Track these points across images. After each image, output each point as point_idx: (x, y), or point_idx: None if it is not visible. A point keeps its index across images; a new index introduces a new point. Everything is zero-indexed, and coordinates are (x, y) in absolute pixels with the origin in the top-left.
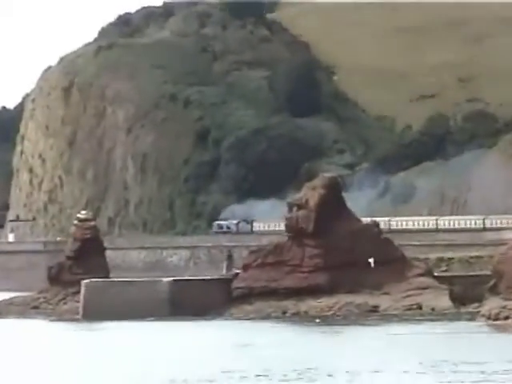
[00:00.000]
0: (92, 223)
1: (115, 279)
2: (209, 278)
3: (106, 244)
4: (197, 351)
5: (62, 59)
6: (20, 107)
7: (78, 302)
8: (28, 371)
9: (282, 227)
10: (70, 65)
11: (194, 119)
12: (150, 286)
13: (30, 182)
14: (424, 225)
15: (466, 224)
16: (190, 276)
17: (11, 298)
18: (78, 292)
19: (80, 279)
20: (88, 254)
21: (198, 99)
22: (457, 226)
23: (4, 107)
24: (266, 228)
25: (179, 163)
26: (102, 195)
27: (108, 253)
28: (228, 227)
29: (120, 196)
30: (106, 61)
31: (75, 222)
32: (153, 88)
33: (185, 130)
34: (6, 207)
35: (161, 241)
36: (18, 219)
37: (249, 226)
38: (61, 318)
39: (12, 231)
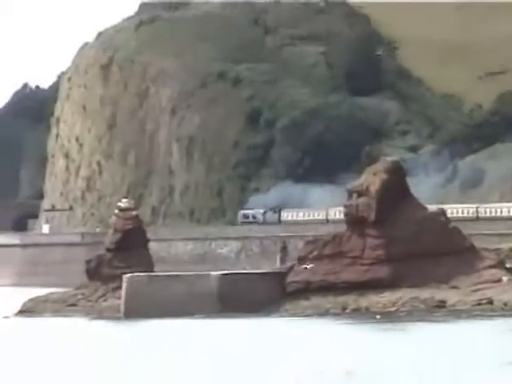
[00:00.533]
0: (134, 213)
1: (160, 273)
2: (261, 271)
3: (149, 235)
4: (248, 350)
5: (100, 35)
6: (55, 87)
7: (119, 298)
8: (67, 375)
9: (312, 216)
10: (108, 40)
11: (244, 99)
12: (198, 280)
13: (67, 168)
14: (463, 213)
15: (509, 212)
16: (241, 269)
17: (46, 295)
18: (119, 287)
19: (121, 273)
20: (130, 246)
21: (249, 77)
22: (498, 215)
23: (38, 87)
24: (295, 218)
25: (228, 147)
26: (144, 182)
27: (152, 245)
28: (254, 217)
29: (164, 183)
30: (148, 36)
31: (116, 211)
32: (199, 65)
33: (234, 111)
34: (41, 196)
35: (209, 231)
36: (53, 209)
37: (276, 216)
38: (100, 315)
39: (47, 222)
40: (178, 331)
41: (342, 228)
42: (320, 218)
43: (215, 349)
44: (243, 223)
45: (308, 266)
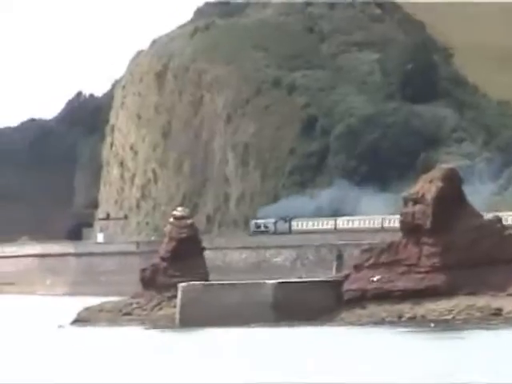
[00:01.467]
0: (189, 221)
1: (214, 282)
2: (317, 279)
3: (204, 244)
4: (302, 359)
5: (154, 42)
6: (109, 95)
7: (174, 307)
8: None
9: (322, 226)
10: (163, 48)
11: (299, 106)
12: (253, 289)
13: (121, 176)
14: None
15: None
16: (296, 278)
17: (101, 304)
18: (174, 296)
19: (176, 282)
20: (185, 254)
21: (304, 84)
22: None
23: (92, 95)
24: (305, 227)
25: (284, 154)
26: (199, 190)
27: (207, 253)
28: (266, 226)
29: (219, 191)
30: (202, 43)
31: (171, 219)
32: (254, 72)
33: (289, 118)
34: (95, 205)
35: (264, 240)
36: (108, 218)
37: (287, 225)
38: (155, 325)
39: (101, 231)
40: (233, 340)
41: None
42: (329, 227)
43: (269, 357)
44: (255, 233)
45: (375, 279)
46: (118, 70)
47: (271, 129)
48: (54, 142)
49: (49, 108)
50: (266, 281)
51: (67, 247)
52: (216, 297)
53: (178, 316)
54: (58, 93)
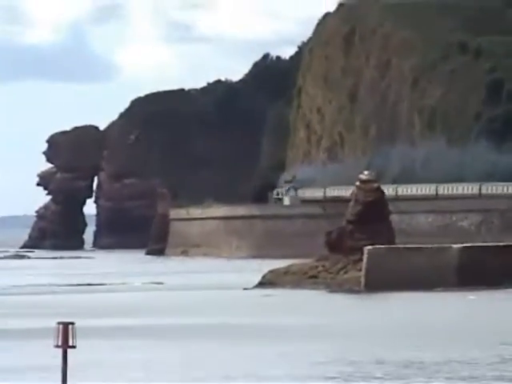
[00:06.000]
0: (376, 185)
1: (400, 246)
2: (502, 244)
3: (390, 207)
4: (487, 324)
5: (340, 5)
6: (296, 57)
7: (359, 270)
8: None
9: (326, 193)
10: (350, 11)
11: (485, 70)
12: (439, 253)
13: (308, 139)
14: None
15: None
16: (481, 242)
17: (287, 267)
18: (360, 260)
19: (362, 246)
20: (371, 218)
21: (491, 49)
22: None
23: (278, 57)
24: (307, 195)
25: (469, 119)
26: (385, 154)
27: (393, 217)
28: (279, 194)
29: (405, 155)
30: (389, 6)
31: (357, 183)
32: (440, 36)
33: (475, 83)
34: (282, 167)
35: (450, 204)
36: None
37: (295, 193)
38: (341, 288)
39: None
40: (418, 304)
41: None
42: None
43: (453, 322)
44: (275, 199)
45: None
46: (305, 32)
47: (457, 93)
48: (240, 104)
49: (235, 69)
50: (452, 245)
51: (253, 210)
52: (401, 260)
53: (363, 279)
54: (244, 54)
